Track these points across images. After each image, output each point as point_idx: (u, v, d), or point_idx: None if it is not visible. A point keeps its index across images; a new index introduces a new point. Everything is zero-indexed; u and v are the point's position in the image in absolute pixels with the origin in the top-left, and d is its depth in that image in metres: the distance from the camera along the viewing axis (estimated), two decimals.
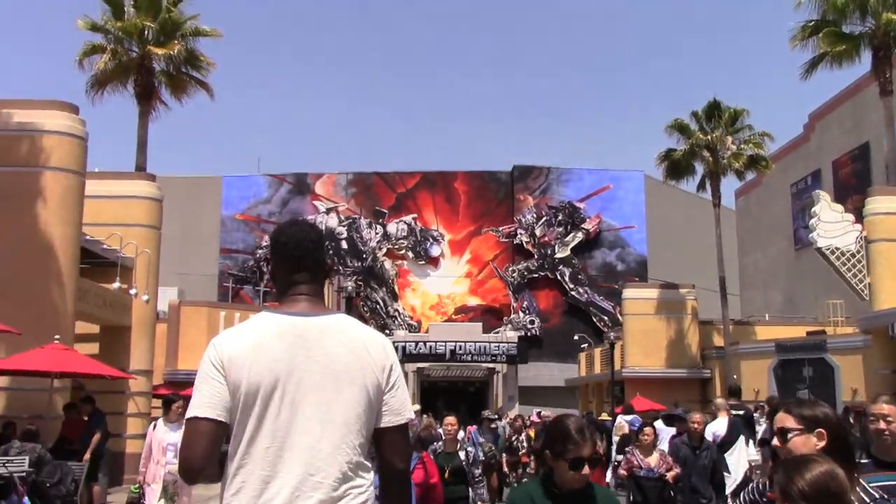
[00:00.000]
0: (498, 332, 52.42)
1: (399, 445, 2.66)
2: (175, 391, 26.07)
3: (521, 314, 56.87)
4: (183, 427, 2.63)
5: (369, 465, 2.66)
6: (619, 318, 54.29)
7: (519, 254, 58.16)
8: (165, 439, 9.80)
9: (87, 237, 16.41)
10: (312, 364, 2.56)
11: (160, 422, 10.24)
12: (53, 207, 14.55)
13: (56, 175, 14.65)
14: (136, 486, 10.35)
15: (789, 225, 43.79)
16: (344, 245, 58.32)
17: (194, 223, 58.29)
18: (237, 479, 2.50)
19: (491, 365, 48.47)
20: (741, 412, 12.18)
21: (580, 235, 58.01)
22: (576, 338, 47.82)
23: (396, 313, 57.03)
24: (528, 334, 55.21)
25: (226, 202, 59.70)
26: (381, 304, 57.21)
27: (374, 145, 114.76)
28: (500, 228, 58.48)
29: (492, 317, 56.37)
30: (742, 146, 32.65)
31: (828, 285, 38.25)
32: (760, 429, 11.38)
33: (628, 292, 35.97)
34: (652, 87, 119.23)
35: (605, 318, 56.22)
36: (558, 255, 57.72)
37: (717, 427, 10.10)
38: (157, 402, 26.90)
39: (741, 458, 9.64)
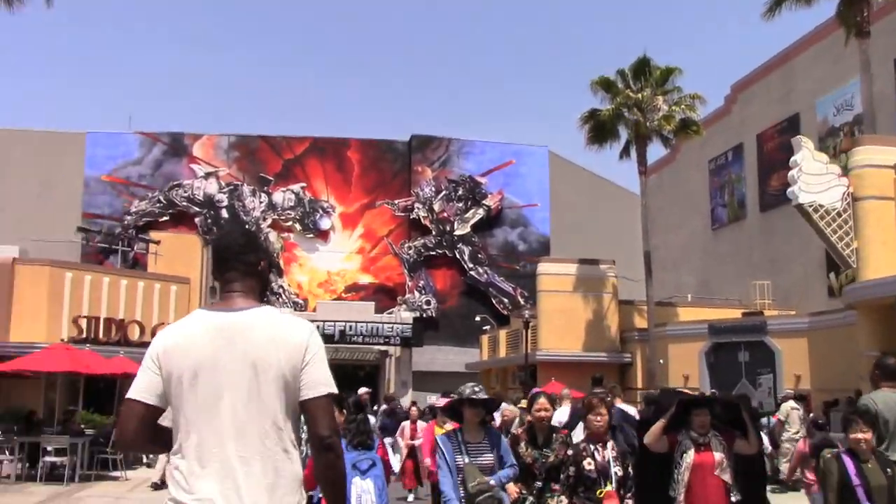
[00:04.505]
0: (391, 313, 48.45)
1: (320, 415, 2.82)
2: None
3: (417, 294, 53.04)
4: None
5: (294, 439, 2.85)
6: (520, 300, 51.61)
7: (416, 229, 54.28)
8: None
9: None
10: (233, 354, 2.80)
11: None
12: None
13: None
14: None
15: (706, 203, 41.37)
16: (224, 214, 53.06)
17: (53, 183, 51.96)
18: (178, 457, 2.80)
19: (383, 347, 44.46)
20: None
21: (481, 212, 54.57)
22: (477, 319, 44.30)
23: (281, 290, 52.17)
24: (424, 315, 51.45)
25: (90, 161, 53.36)
26: None
27: (260, 106, 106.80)
28: (396, 202, 54.46)
29: (385, 296, 52.30)
30: (673, 108, 29.66)
31: (749, 266, 35.91)
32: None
33: (544, 267, 32.52)
34: (559, 56, 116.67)
35: (506, 300, 53.06)
36: (458, 232, 54.13)
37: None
38: None
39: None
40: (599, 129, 30.66)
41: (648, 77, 29.73)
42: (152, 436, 2.87)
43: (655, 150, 33.26)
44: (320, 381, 2.84)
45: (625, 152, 31.60)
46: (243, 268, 2.98)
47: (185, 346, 2.82)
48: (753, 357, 25.58)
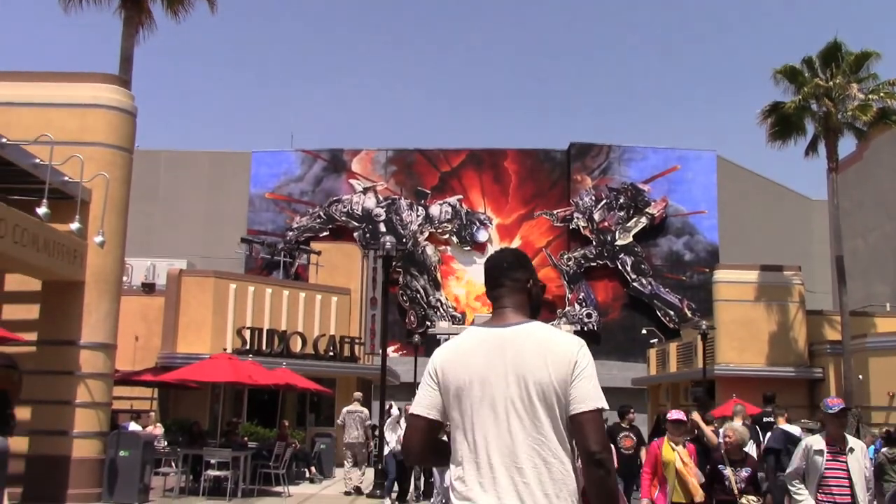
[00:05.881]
0: (551, 326, 46.78)
1: (588, 430, 2.80)
2: (167, 379, 20.88)
3: (577, 306, 51.15)
4: None
5: (566, 450, 2.84)
6: (687, 312, 48.87)
7: (575, 240, 52.48)
8: None
9: (4, 140, 11.13)
10: (504, 367, 2.85)
11: None
12: None
13: None
14: None
15: None
16: (382, 228, 53.06)
17: (220, 201, 53.64)
18: (458, 468, 2.89)
19: None
20: (769, 419, 12.79)
21: (644, 221, 52.14)
22: (643, 332, 42.08)
23: (438, 303, 51.60)
24: (585, 329, 49.54)
25: (255, 179, 54.74)
26: (422, 293, 51.84)
27: (416, 120, 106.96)
28: (555, 212, 52.86)
29: (545, 309, 50.66)
30: (870, 96, 26.73)
31: None
32: None
33: (721, 274, 30.07)
34: (722, 59, 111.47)
35: (671, 312, 50.38)
36: (619, 242, 51.92)
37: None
38: (134, 391, 21.63)
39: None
40: (783, 124, 28.06)
41: (840, 63, 26.97)
42: (435, 448, 3.04)
43: (840, 148, 30.24)
44: (589, 396, 2.82)
45: (811, 148, 28.87)
46: (511, 283, 3.07)
47: (461, 361, 2.92)
48: None
